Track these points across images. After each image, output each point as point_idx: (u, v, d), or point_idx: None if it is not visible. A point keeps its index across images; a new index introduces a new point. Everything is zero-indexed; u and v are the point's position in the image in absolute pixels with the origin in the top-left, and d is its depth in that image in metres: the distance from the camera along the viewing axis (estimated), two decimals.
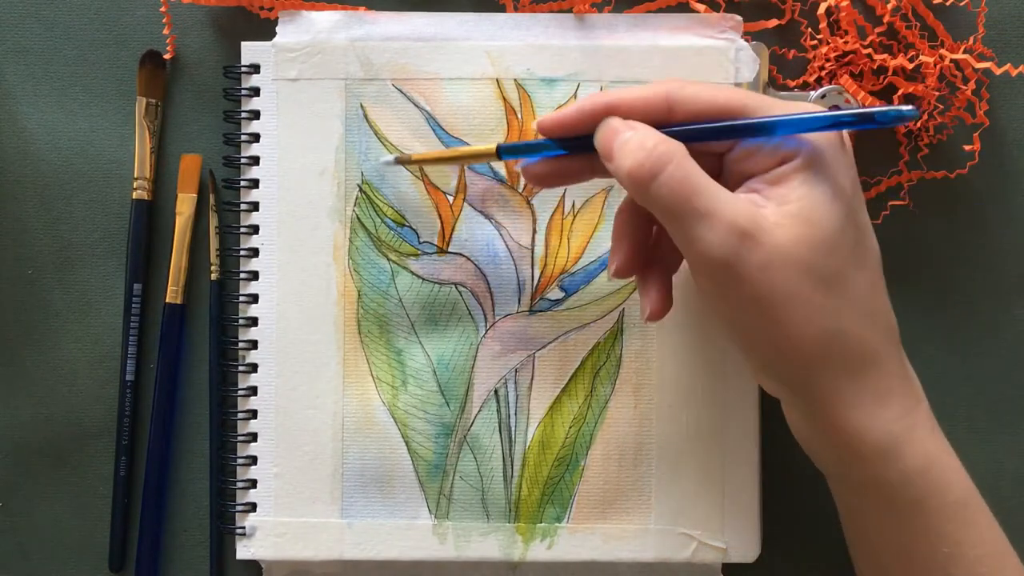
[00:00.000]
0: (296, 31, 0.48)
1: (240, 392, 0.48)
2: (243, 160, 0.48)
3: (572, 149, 0.41)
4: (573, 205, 0.48)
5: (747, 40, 0.47)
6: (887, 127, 0.38)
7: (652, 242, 0.42)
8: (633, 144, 0.38)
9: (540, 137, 0.41)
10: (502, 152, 0.42)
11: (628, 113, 0.39)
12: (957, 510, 0.39)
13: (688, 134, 0.38)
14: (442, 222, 0.48)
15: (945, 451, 0.40)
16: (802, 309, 0.37)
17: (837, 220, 0.37)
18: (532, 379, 0.48)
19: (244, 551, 0.48)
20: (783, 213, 0.37)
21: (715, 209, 0.36)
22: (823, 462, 0.41)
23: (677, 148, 0.37)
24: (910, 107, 0.36)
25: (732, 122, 0.38)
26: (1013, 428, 0.49)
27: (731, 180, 0.39)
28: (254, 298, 0.48)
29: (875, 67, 0.48)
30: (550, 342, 0.48)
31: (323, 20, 0.48)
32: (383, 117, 0.48)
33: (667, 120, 0.39)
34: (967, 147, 0.48)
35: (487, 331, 0.48)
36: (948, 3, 0.48)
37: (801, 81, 0.48)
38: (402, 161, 0.45)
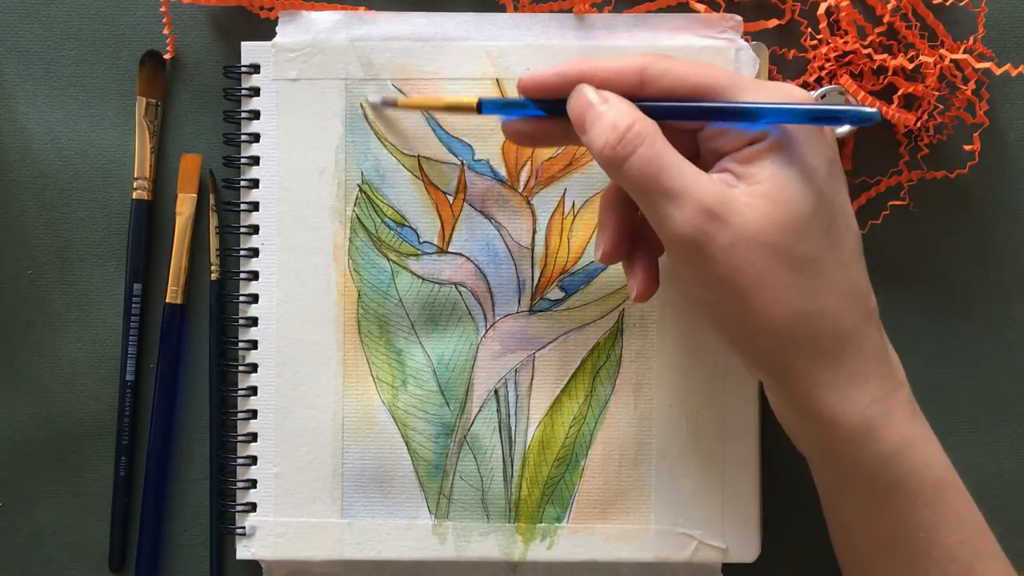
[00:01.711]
0: (296, 31, 0.48)
1: (240, 392, 0.48)
2: (243, 160, 0.48)
3: (550, 112, 0.41)
4: (573, 205, 0.48)
5: (747, 40, 0.47)
6: (854, 125, 0.39)
7: (636, 224, 0.42)
8: (606, 121, 0.38)
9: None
10: (483, 106, 0.42)
11: (602, 82, 0.39)
12: (935, 495, 0.39)
13: (660, 111, 0.38)
14: (442, 222, 0.48)
15: (924, 436, 0.40)
16: (771, 290, 0.37)
17: (808, 201, 0.37)
18: (532, 379, 0.48)
19: (244, 551, 0.48)
20: (752, 193, 0.37)
21: (684, 188, 0.37)
22: (802, 444, 0.41)
23: (649, 127, 0.37)
24: (872, 108, 0.37)
25: (703, 104, 0.38)
26: (1013, 428, 0.49)
27: (705, 159, 0.39)
28: (254, 298, 0.48)
29: (875, 67, 0.48)
30: (550, 342, 0.48)
31: (323, 20, 0.48)
32: (383, 117, 0.48)
33: (639, 93, 0.39)
34: (967, 147, 0.48)
35: (487, 331, 0.48)
36: (948, 3, 0.48)
37: (801, 81, 0.48)
38: (388, 103, 0.46)
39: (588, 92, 0.39)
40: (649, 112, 0.38)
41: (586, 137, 0.39)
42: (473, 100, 0.42)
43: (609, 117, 0.38)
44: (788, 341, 0.38)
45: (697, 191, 0.37)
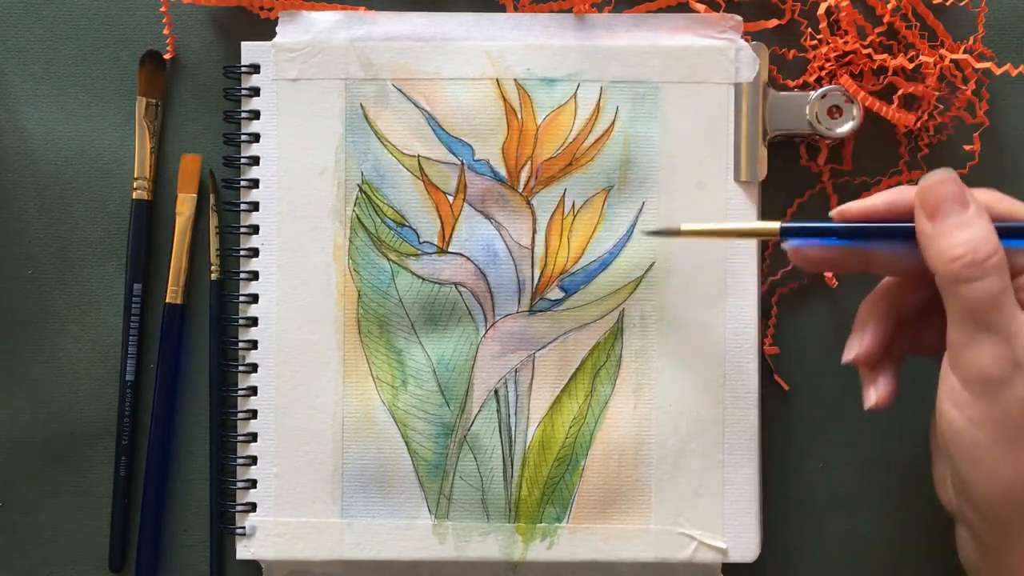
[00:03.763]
0: (296, 31, 0.48)
1: (240, 392, 0.48)
2: (243, 160, 0.48)
3: (861, 236, 0.41)
4: (573, 205, 0.48)
5: (747, 40, 0.47)
6: None
7: (894, 333, 0.43)
8: (971, 235, 0.38)
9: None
10: (784, 232, 0.42)
11: None
12: None
13: (1009, 231, 0.39)
14: (442, 222, 0.48)
15: None
16: None
17: None
18: (532, 379, 0.48)
19: (244, 551, 0.48)
20: None
21: (1011, 333, 0.37)
22: None
23: (1003, 258, 0.38)
24: None
25: None
26: None
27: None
28: (254, 298, 0.48)
29: (875, 67, 0.48)
30: (550, 342, 0.48)
31: (323, 20, 0.48)
32: (383, 117, 0.48)
33: None
34: (967, 147, 0.48)
35: (487, 331, 0.48)
36: (948, 3, 0.48)
37: (801, 81, 0.48)
38: (668, 233, 0.44)
39: (958, 184, 0.39)
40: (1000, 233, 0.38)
41: (934, 228, 0.38)
42: (775, 227, 0.42)
43: (976, 231, 0.38)
44: None
45: (1019, 339, 0.37)
